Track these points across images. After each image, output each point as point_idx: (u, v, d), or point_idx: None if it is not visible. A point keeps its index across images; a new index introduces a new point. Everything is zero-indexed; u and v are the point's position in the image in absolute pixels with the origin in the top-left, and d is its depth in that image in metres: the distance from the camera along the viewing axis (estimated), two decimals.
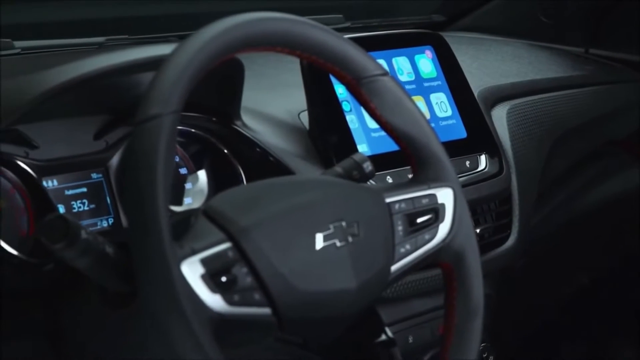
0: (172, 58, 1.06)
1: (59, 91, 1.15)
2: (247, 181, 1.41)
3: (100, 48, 1.68)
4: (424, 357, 1.52)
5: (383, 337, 1.20)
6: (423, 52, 1.60)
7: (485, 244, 1.55)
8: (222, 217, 1.07)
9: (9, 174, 1.24)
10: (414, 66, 1.58)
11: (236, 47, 1.10)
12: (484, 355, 1.58)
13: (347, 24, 2.04)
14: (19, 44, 1.67)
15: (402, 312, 1.48)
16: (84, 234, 1.05)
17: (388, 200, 1.18)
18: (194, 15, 2.11)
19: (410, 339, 1.49)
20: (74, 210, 1.30)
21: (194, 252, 1.03)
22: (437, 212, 1.21)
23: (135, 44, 1.76)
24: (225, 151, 1.40)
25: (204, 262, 1.02)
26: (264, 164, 1.40)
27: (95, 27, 1.96)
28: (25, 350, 1.19)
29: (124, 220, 1.34)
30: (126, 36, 1.82)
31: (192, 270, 1.01)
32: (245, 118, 1.41)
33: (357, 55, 1.19)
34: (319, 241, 1.09)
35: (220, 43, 1.08)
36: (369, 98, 1.20)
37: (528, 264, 1.71)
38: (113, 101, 1.32)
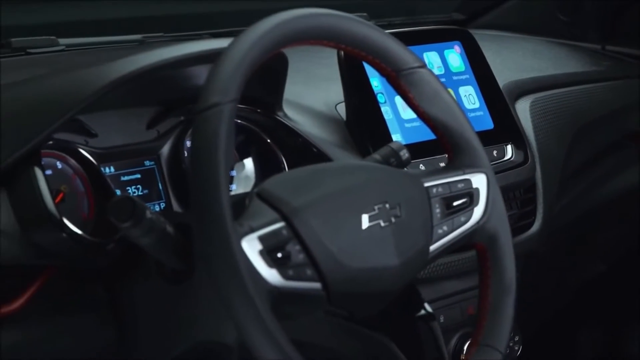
0: (230, 51, 1.13)
1: (122, 82, 1.23)
2: (288, 169, 1.48)
3: (145, 44, 1.76)
4: (455, 335, 1.59)
5: (422, 312, 1.27)
6: (452, 47, 1.68)
7: (511, 229, 1.62)
8: (275, 198, 1.14)
9: (71, 161, 1.31)
10: (443, 60, 1.66)
11: (287, 40, 1.17)
12: (510, 335, 1.66)
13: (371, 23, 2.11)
14: (63, 41, 1.74)
15: (434, 292, 1.54)
16: (148, 214, 1.13)
17: (426, 184, 1.25)
18: (227, 13, 2.20)
19: (442, 319, 1.56)
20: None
21: (252, 230, 1.10)
22: (471, 196, 1.28)
23: (172, 41, 1.84)
24: (268, 140, 1.48)
25: (262, 239, 1.09)
26: (304, 152, 1.47)
27: (130, 26, 2.04)
28: (91, 323, 1.27)
29: (174, 205, 1.42)
30: (161, 34, 1.89)
31: (251, 247, 1.08)
32: (286, 109, 1.49)
33: (397, 48, 1.27)
34: (365, 221, 1.16)
35: (274, 36, 1.15)
36: (407, 89, 1.27)
37: (548, 250, 1.78)
38: (164, 93, 1.40)
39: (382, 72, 1.28)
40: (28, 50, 1.67)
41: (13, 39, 1.68)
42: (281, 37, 1.16)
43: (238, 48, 1.13)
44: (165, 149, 1.42)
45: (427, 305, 1.28)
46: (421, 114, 1.29)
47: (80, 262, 1.26)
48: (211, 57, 1.28)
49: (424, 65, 1.28)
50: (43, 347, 1.23)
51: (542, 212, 1.70)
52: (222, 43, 1.25)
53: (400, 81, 1.27)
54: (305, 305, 1.16)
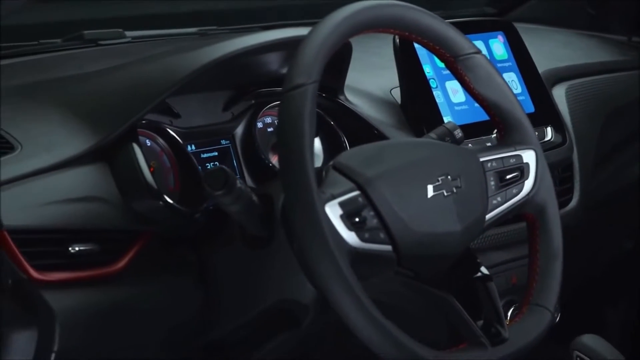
0: (311, 37, 1.25)
1: (211, 67, 1.36)
2: (349, 148, 1.60)
3: (209, 36, 1.89)
4: (500, 302, 1.71)
5: (479, 273, 1.39)
6: (496, 37, 1.81)
7: None
8: (350, 170, 1.27)
9: (159, 139, 1.44)
10: (488, 49, 1.79)
11: (361, 28, 1.30)
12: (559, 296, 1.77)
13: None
14: (129, 33, 1.87)
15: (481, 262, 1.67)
16: (238, 184, 1.26)
17: (482, 159, 1.38)
18: (274, 8, 2.32)
19: None
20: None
21: (333, 197, 1.22)
22: (522, 170, 1.40)
23: (229, 33, 1.96)
24: (332, 123, 1.60)
25: (341, 205, 1.22)
26: (364, 133, 1.59)
27: (181, 20, 2.17)
28: (183, 285, 1.40)
29: (248, 180, 1.54)
30: (215, 27, 2.02)
31: (333, 212, 1.21)
32: (347, 94, 1.62)
33: (456, 36, 1.40)
34: (430, 191, 1.29)
35: (349, 24, 1.28)
36: (464, 73, 1.40)
37: (581, 226, 1.90)
38: (238, 79, 1.53)
39: (441, 57, 1.41)
40: (99, 42, 1.80)
41: (85, 32, 1.81)
42: (355, 25, 1.29)
43: (319, 34, 1.25)
44: (239, 130, 1.54)
45: (483, 268, 1.39)
46: (476, 96, 1.42)
47: (172, 229, 1.39)
48: (288, 45, 1.41)
49: (479, 52, 1.41)
50: (143, 305, 1.36)
51: (579, 190, 1.84)
52: (300, 31, 1.39)
53: (458, 66, 1.40)
54: (377, 266, 1.28)
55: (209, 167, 1.50)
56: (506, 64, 1.80)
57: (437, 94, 1.69)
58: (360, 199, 1.25)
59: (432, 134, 1.47)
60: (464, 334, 1.32)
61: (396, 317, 1.24)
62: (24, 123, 1.34)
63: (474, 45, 1.41)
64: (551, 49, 2.10)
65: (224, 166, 1.25)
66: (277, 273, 1.35)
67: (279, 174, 1.22)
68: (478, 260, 1.40)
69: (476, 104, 1.45)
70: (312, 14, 2.21)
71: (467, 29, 1.77)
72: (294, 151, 1.20)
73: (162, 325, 1.39)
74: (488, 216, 1.37)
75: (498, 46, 1.81)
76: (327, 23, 1.27)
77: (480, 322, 1.34)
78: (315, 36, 1.26)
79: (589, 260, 2.14)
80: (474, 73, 1.40)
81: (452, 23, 1.73)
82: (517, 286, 1.72)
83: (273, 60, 1.51)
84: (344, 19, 1.28)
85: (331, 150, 1.59)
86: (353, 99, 1.63)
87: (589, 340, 1.64)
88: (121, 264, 1.33)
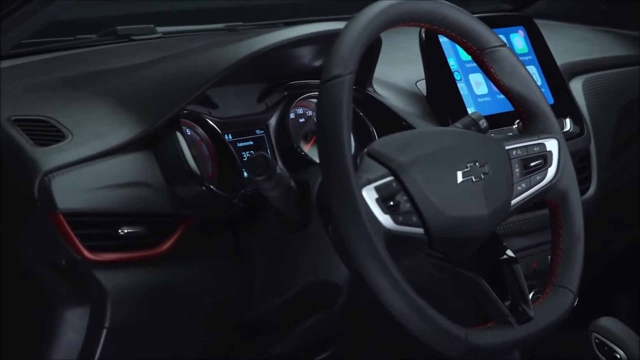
0: (348, 30, 1.31)
1: (250, 59, 1.43)
2: (378, 137, 1.67)
3: (238, 31, 1.95)
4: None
5: (505, 256, 1.46)
6: (517, 32, 1.88)
7: None
8: (383, 156, 1.33)
9: (199, 129, 1.51)
10: (509, 43, 1.86)
11: (393, 22, 1.36)
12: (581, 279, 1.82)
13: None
14: (160, 29, 1.94)
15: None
16: (278, 170, 1.33)
17: (507, 147, 1.43)
18: (297, 5, 2.39)
19: None
20: (245, 160, 1.56)
21: (369, 182, 1.29)
22: (545, 158, 1.46)
23: (255, 29, 2.03)
24: (361, 114, 1.66)
25: (377, 189, 1.28)
26: (391, 123, 1.65)
27: (209, 16, 2.24)
28: (223, 267, 1.47)
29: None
30: (241, 23, 2.08)
31: (369, 196, 1.27)
32: (374, 86, 1.69)
33: (482, 30, 1.46)
34: (459, 177, 1.35)
35: (384, 18, 1.34)
36: (490, 65, 1.46)
37: (596, 214, 1.96)
38: (271, 71, 1.60)
39: (468, 50, 1.47)
40: (132, 37, 1.87)
41: (118, 27, 1.88)
42: (390, 19, 1.35)
43: (355, 28, 1.32)
44: (273, 120, 1.61)
45: (509, 251, 1.45)
46: (501, 87, 1.48)
47: (212, 213, 1.46)
48: (321, 39, 1.48)
49: (504, 45, 1.47)
50: (185, 285, 1.43)
51: (596, 179, 1.91)
52: (331, 26, 1.45)
53: (484, 58, 1.46)
54: (409, 247, 1.34)
55: (244, 155, 1.57)
56: (526, 58, 1.87)
57: (461, 86, 1.76)
58: (394, 184, 1.31)
59: (458, 124, 1.53)
60: (492, 313, 1.38)
61: (426, 297, 1.30)
62: (73, 113, 1.41)
63: (500, 39, 1.47)
64: (567, 44, 2.16)
65: (264, 153, 1.32)
66: (311, 255, 1.42)
67: (319, 160, 1.28)
68: (503, 244, 1.46)
69: (498, 96, 1.51)
70: (318, 12, 2.29)
71: (489, 23, 1.82)
72: (333, 139, 1.26)
73: (203, 304, 1.46)
74: (513, 201, 1.43)
75: (519, 40, 1.88)
76: (363, 17, 1.33)
77: (507, 302, 1.40)
78: (352, 29, 1.32)
79: (605, 247, 2.20)
80: (499, 65, 1.46)
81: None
82: (538, 271, 1.79)
83: (305, 54, 1.58)
84: (379, 12, 1.34)
85: (361, 139, 1.65)
86: (381, 91, 1.70)
87: (607, 322, 1.70)
88: (166, 246, 1.40)
